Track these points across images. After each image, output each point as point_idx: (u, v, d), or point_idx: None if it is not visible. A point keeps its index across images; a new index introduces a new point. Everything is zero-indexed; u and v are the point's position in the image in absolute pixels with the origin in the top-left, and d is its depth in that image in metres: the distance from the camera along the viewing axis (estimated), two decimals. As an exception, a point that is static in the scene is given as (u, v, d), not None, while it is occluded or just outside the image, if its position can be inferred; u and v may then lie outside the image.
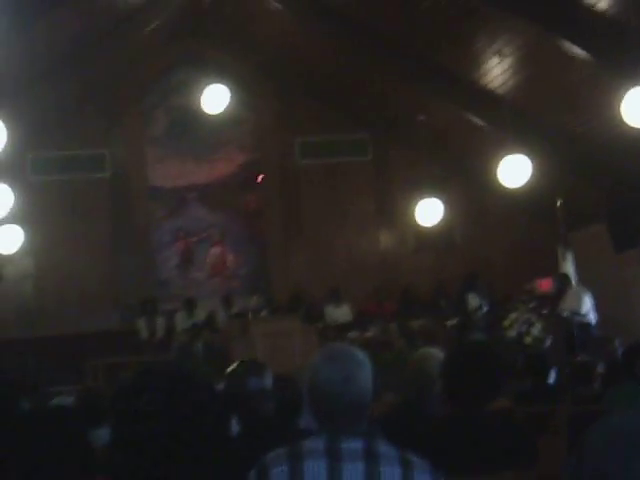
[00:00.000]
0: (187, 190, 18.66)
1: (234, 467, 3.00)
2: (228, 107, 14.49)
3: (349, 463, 3.15)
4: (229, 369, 4.82)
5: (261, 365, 4.81)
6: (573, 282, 15.39)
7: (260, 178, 18.89)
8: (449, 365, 4.43)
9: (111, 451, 2.30)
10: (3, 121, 10.38)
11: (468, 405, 4.19)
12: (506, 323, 13.75)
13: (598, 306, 14.83)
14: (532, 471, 3.98)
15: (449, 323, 15.12)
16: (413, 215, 17.22)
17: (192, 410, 2.31)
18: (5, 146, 10.49)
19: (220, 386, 4.83)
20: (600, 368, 8.81)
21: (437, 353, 5.26)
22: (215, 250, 18.81)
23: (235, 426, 4.78)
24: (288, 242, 18.84)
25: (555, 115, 14.51)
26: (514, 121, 14.02)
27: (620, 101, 10.59)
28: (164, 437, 2.25)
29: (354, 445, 3.18)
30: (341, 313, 17.22)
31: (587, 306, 14.73)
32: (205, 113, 14.83)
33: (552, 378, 10.09)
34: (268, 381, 4.70)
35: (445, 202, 17.17)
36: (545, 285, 17.15)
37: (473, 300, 17.17)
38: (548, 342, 13.39)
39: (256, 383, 4.64)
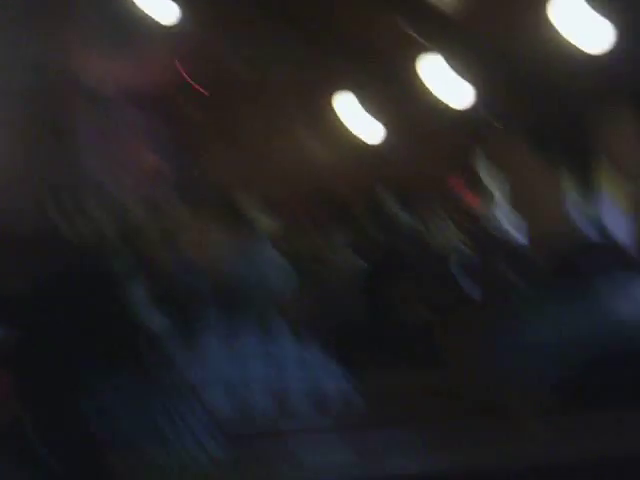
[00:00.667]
0: (113, 89, 18.34)
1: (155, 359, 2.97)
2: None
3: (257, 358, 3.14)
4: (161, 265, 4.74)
5: (192, 263, 4.72)
6: (500, 196, 15.48)
7: (188, 82, 18.61)
8: (368, 270, 4.42)
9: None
10: None
11: (386, 308, 4.19)
12: (433, 236, 13.81)
13: (520, 216, 14.91)
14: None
15: (378, 235, 15.14)
16: (340, 119, 17.16)
17: (96, 289, 2.26)
18: None
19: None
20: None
21: (360, 259, 5.21)
22: (145, 152, 18.55)
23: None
24: (217, 147, 18.63)
25: (476, 20, 14.40)
26: (434, 22, 13.93)
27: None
28: (67, 316, 2.20)
29: (264, 339, 3.16)
30: (269, 222, 17.13)
31: (513, 221, 14.86)
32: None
33: (477, 287, 10.17)
34: (198, 280, 4.63)
35: (382, 115, 17.07)
36: (468, 195, 17.15)
37: (402, 214, 17.20)
38: (474, 256, 13.49)
39: (187, 281, 4.57)
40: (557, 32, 10.83)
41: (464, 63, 14.09)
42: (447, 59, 13.43)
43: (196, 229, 14.56)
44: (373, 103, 16.74)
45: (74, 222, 16.44)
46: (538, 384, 3.14)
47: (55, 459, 1.75)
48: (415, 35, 14.24)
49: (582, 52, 11.23)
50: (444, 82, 13.57)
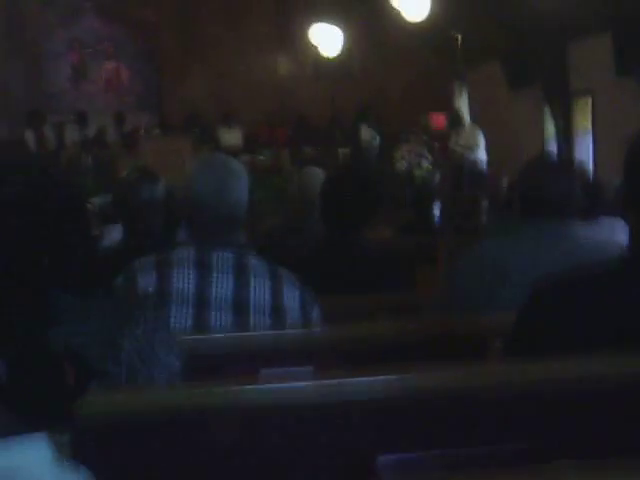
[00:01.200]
0: (83, -1, 18.03)
1: (105, 275, 2.91)
2: None
3: (219, 273, 3.11)
4: (121, 175, 4.66)
5: (155, 174, 4.65)
6: (467, 118, 15.45)
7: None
8: (326, 186, 4.36)
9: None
10: None
11: (344, 228, 4.15)
12: (397, 155, 13.79)
13: (490, 144, 14.99)
14: (406, 296, 4.00)
15: (341, 152, 15.11)
16: (312, 42, 17.04)
17: (54, 205, 2.21)
18: None
19: (106, 198, 4.70)
20: (486, 204, 8.93)
21: (320, 173, 5.18)
22: (109, 64, 18.36)
23: (117, 235, 4.69)
24: (185, 61, 18.47)
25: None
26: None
27: None
28: (22, 230, 2.16)
29: (225, 256, 3.13)
30: (233, 136, 17.08)
31: (479, 143, 14.88)
32: None
33: (437, 211, 10.22)
34: (160, 191, 4.55)
35: (346, 30, 16.99)
36: (439, 120, 17.21)
37: (366, 131, 17.19)
38: (437, 176, 13.49)
39: (149, 192, 4.49)
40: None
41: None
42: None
43: (160, 141, 14.46)
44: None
45: (37, 133, 16.30)
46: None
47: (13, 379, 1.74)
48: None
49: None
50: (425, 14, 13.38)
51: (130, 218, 4.46)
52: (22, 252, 2.11)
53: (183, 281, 3.10)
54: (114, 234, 4.95)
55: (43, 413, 1.90)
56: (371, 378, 2.22)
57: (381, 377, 2.22)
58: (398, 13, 13.92)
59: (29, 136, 16.25)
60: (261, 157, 15.59)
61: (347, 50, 17.51)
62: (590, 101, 14.88)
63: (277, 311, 3.15)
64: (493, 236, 3.73)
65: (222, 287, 3.10)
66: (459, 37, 15.54)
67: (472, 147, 14.67)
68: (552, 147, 14.80)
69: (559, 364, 2.18)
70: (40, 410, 1.90)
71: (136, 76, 18.43)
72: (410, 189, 11.59)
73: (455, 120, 15.38)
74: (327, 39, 16.63)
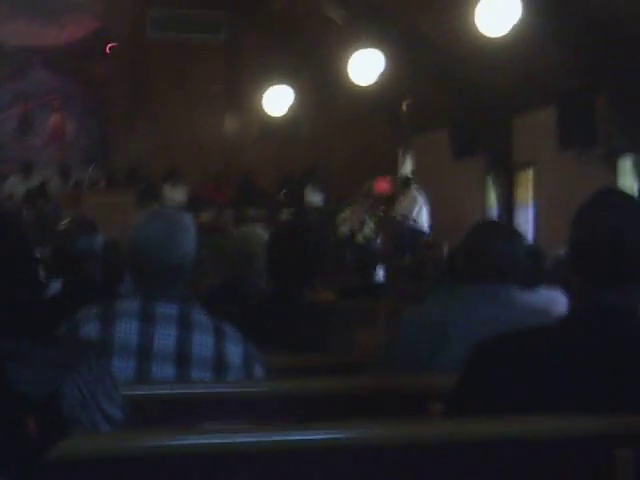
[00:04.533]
0: (33, 51, 18.01)
1: (48, 326, 2.91)
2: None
3: (162, 327, 3.11)
4: (59, 225, 4.67)
5: (93, 224, 4.66)
6: (412, 186, 15.61)
7: (109, 47, 18.40)
8: (271, 242, 4.40)
9: None
10: None
11: (287, 286, 4.18)
12: (339, 219, 13.88)
13: (432, 211, 15.15)
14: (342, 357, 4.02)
15: (285, 212, 15.18)
16: (261, 102, 17.15)
17: (2, 253, 2.22)
18: None
19: (47, 252, 4.68)
20: (430, 270, 8.98)
21: (260, 231, 5.23)
22: (55, 117, 18.33)
23: (58, 286, 4.67)
24: (131, 117, 18.49)
25: (410, 15, 14.51)
26: (369, 17, 14.00)
27: (474, 7, 10.68)
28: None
29: (168, 310, 3.14)
30: (178, 194, 17.09)
31: (420, 211, 15.04)
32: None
33: (380, 276, 10.30)
34: (98, 242, 4.57)
35: (294, 93, 17.13)
36: (382, 186, 17.37)
37: (311, 194, 17.30)
38: (378, 242, 13.61)
39: (86, 242, 4.50)
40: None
41: (397, 63, 14.12)
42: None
43: (104, 195, 14.41)
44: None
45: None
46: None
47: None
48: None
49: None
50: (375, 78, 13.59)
51: (68, 268, 4.47)
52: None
53: (126, 332, 3.10)
54: (56, 285, 4.93)
55: (3, 460, 1.89)
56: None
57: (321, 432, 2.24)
58: (347, 78, 14.09)
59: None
60: (204, 216, 15.60)
61: (295, 112, 17.64)
62: (532, 173, 15.13)
63: (219, 367, 3.15)
64: (435, 297, 3.78)
65: (165, 340, 3.11)
66: (405, 105, 15.75)
67: (413, 215, 14.82)
68: (493, 217, 14.98)
69: (500, 422, 2.22)
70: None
71: (82, 129, 18.41)
72: (352, 252, 11.64)
73: (403, 184, 15.55)
74: (275, 100, 16.74)
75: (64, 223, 4.66)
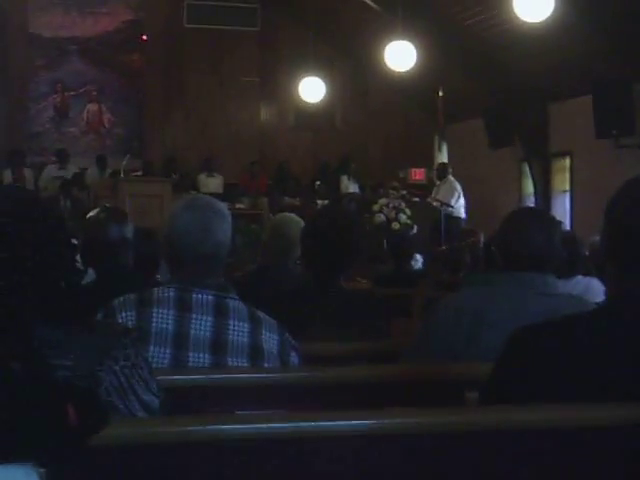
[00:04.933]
0: (68, 42, 18.07)
1: (83, 314, 2.92)
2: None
3: (198, 314, 3.12)
4: (89, 214, 4.69)
5: (123, 213, 4.68)
6: (449, 174, 15.55)
7: (144, 37, 18.45)
8: (306, 229, 4.39)
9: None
10: None
11: (323, 273, 4.17)
12: (375, 207, 13.84)
13: (468, 200, 15.11)
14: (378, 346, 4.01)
15: (320, 203, 15.15)
16: (296, 91, 17.16)
17: (41, 237, 2.23)
18: None
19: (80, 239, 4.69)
20: (467, 258, 8.96)
21: (296, 219, 5.23)
22: (92, 106, 18.40)
23: (91, 275, 4.69)
24: (167, 106, 18.56)
25: (446, 4, 14.47)
26: (405, 6, 13.96)
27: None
28: (7, 262, 2.17)
29: (205, 297, 3.14)
30: (213, 183, 17.12)
31: (457, 199, 14.99)
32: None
33: (418, 264, 10.27)
34: (129, 230, 4.58)
35: (329, 82, 17.14)
36: (418, 175, 17.36)
37: (346, 183, 17.29)
38: (415, 230, 13.56)
39: (117, 231, 4.52)
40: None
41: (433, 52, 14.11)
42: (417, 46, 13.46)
43: (140, 185, 14.45)
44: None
45: (16, 173, 16.27)
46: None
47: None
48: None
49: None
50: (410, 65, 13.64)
51: (99, 257, 4.48)
52: (7, 281, 2.13)
53: (162, 321, 3.11)
54: (90, 273, 4.95)
55: (42, 447, 1.91)
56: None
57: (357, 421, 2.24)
58: (383, 66, 14.08)
59: (7, 176, 16.20)
60: (240, 205, 15.62)
61: (330, 101, 17.64)
62: (568, 161, 15.05)
63: (255, 354, 3.15)
64: (471, 285, 3.77)
65: (201, 328, 3.11)
66: (441, 92, 15.70)
67: (450, 202, 14.77)
68: (530, 205, 14.93)
69: (536, 411, 2.21)
70: (38, 444, 1.91)
71: (118, 119, 18.48)
72: (388, 240, 11.63)
73: (440, 171, 15.50)
74: (310, 89, 16.76)
75: (94, 212, 4.66)
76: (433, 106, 16.36)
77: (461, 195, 15.04)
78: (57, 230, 2.25)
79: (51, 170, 16.66)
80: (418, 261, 10.36)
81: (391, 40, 13.79)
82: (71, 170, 16.50)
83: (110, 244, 4.46)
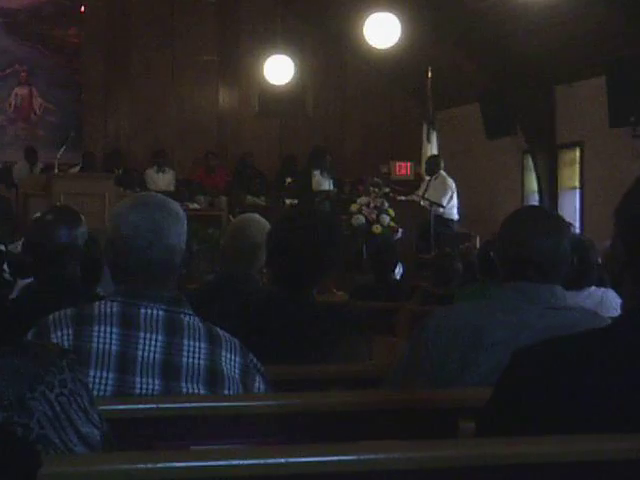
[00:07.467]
0: (-8, 15, 18.06)
1: (11, 332, 2.91)
2: None
3: (147, 333, 3.10)
4: (36, 215, 4.66)
5: (75, 214, 4.64)
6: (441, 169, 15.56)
7: (82, 9, 18.40)
8: (273, 233, 4.34)
9: None
10: None
11: (292, 284, 4.16)
12: (354, 208, 13.85)
13: (462, 198, 15.13)
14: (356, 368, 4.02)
15: (289, 202, 15.17)
16: (261, 72, 17.16)
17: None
18: None
19: (14, 245, 4.69)
20: (460, 267, 8.98)
21: (261, 220, 5.22)
22: (20, 90, 18.35)
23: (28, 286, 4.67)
24: (110, 90, 18.52)
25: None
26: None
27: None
28: None
29: (154, 313, 3.13)
30: (164, 179, 17.11)
31: (450, 198, 15.00)
32: None
33: (399, 273, 10.28)
34: (81, 235, 4.54)
35: (299, 61, 17.14)
36: (404, 169, 17.36)
37: (319, 179, 17.28)
38: (399, 234, 13.58)
39: (66, 235, 4.48)
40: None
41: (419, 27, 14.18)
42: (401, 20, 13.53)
43: (78, 181, 14.41)
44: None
45: None
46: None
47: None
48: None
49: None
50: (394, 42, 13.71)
51: (44, 265, 4.45)
52: None
53: (104, 340, 3.09)
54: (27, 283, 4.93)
55: None
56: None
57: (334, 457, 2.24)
58: (362, 43, 14.10)
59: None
60: (195, 205, 15.61)
61: (300, 84, 17.65)
62: (578, 153, 15.11)
63: (213, 379, 3.14)
64: (466, 299, 3.77)
65: (150, 349, 3.10)
66: (430, 73, 15.73)
67: (442, 202, 14.79)
68: (533, 203, 14.97)
69: (542, 443, 2.21)
70: None
71: (52, 104, 18.42)
72: (368, 248, 11.65)
73: (431, 167, 15.48)
74: (277, 70, 16.76)
75: (41, 213, 4.63)
76: (421, 89, 16.40)
77: (454, 193, 15.04)
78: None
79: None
80: (399, 270, 10.37)
81: (372, 12, 13.81)
82: (-4, 164, 16.49)
83: (56, 250, 4.43)
